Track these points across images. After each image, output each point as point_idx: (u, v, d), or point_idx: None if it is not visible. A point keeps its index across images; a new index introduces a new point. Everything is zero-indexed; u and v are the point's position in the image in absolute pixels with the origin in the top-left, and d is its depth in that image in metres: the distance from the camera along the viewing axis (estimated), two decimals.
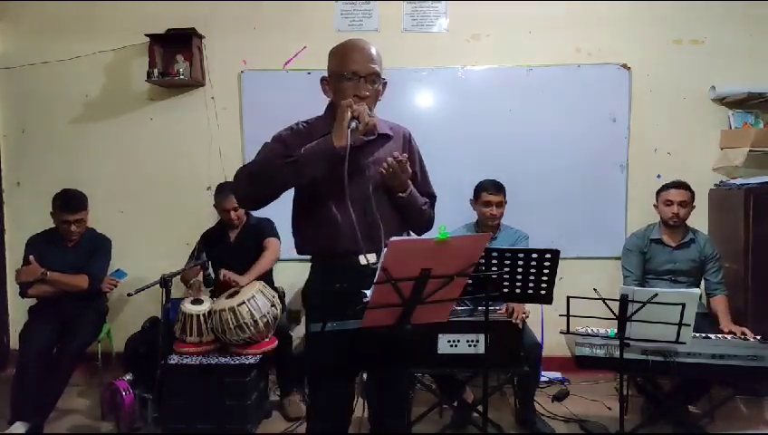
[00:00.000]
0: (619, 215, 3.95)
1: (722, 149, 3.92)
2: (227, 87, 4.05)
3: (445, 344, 2.81)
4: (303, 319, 3.83)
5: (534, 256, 2.64)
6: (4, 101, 4.17)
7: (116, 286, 3.56)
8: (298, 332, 3.88)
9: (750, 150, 3.70)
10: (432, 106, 4.03)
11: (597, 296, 2.44)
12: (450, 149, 3.88)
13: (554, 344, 3.43)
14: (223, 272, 3.20)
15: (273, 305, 3.16)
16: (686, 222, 3.31)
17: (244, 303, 3.04)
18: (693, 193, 3.28)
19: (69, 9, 4.07)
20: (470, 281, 2.17)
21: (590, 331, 2.87)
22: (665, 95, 3.94)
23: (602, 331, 2.86)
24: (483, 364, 2.64)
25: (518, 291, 2.71)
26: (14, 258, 4.01)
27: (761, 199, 3.53)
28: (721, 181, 3.89)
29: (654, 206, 3.38)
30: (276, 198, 1.93)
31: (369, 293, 1.66)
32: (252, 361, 3.06)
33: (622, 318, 2.46)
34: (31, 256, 3.27)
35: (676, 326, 2.45)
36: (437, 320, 1.86)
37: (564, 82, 3.93)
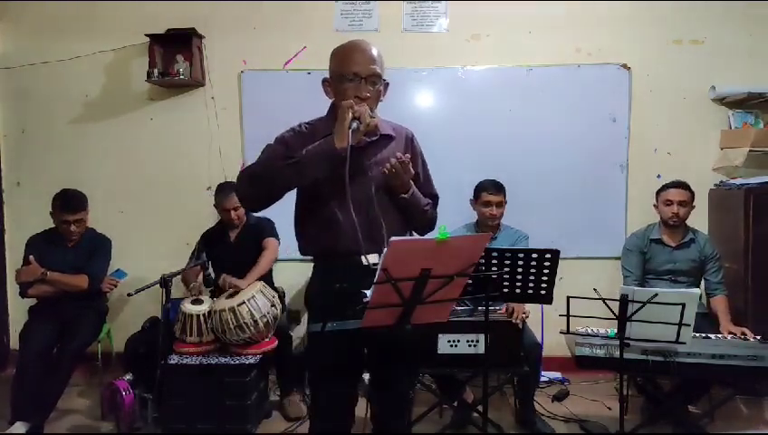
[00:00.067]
0: (619, 215, 3.95)
1: (722, 149, 3.92)
2: (227, 87, 4.05)
3: (445, 344, 2.81)
4: (304, 319, 3.88)
5: (534, 256, 2.64)
6: (4, 101, 4.17)
7: (116, 286, 3.56)
8: (298, 332, 3.89)
9: (750, 150, 3.70)
10: (432, 106, 4.02)
11: (597, 296, 2.44)
12: (450, 149, 3.88)
13: (554, 344, 3.43)
14: (223, 277, 3.20)
15: (273, 305, 3.16)
16: (686, 222, 3.31)
17: (244, 303, 3.04)
18: (693, 193, 3.28)
19: (69, 9, 4.07)
20: (470, 281, 2.17)
21: (590, 331, 2.87)
22: (665, 95, 3.94)
23: (602, 331, 2.87)
24: (483, 364, 2.64)
25: (518, 291, 2.71)
26: (14, 258, 4.01)
27: (761, 199, 3.53)
28: (721, 181, 3.89)
29: (654, 206, 3.38)
30: (279, 199, 1.92)
31: (369, 293, 1.66)
32: (252, 361, 3.06)
33: (622, 318, 2.46)
34: (31, 256, 3.27)
35: (676, 326, 2.45)
36: (437, 320, 1.86)
37: (564, 82, 3.93)
